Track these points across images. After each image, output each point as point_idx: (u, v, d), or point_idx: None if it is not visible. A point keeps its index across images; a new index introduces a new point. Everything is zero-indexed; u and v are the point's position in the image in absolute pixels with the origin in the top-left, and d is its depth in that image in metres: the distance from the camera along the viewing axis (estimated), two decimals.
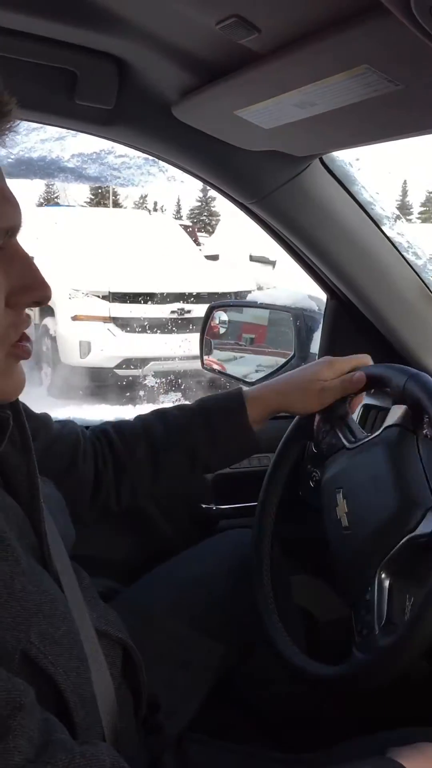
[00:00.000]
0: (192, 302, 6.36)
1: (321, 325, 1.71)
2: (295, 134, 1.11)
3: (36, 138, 1.24)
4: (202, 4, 0.83)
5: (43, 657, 0.68)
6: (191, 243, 8.00)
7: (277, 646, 1.11)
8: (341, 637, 1.07)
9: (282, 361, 1.98)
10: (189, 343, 5.97)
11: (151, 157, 1.33)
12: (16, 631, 0.66)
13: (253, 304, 2.19)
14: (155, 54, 1.01)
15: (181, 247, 7.49)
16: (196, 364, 5.95)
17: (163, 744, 0.94)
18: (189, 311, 6.32)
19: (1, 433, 0.74)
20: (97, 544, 1.20)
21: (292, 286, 7.10)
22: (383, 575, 0.97)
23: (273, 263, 7.61)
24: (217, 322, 2.35)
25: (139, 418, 1.20)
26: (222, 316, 2.37)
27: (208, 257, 8.52)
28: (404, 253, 1.39)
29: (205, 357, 2.21)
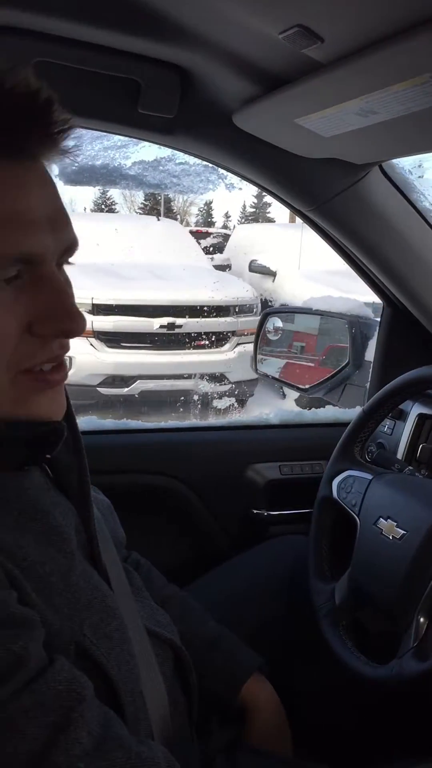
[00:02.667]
0: (184, 316, 5.71)
1: (377, 333, 1.70)
2: (355, 142, 1.10)
3: (99, 146, 1.26)
4: (266, 15, 0.84)
5: (95, 649, 0.70)
6: (200, 252, 7.53)
7: (333, 648, 1.11)
8: (389, 646, 1.07)
9: (334, 370, 1.97)
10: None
11: (210, 165, 1.34)
12: (71, 622, 0.68)
13: (308, 311, 2.19)
14: (218, 63, 1.03)
15: (187, 257, 6.89)
16: (188, 384, 5.73)
17: (214, 750, 0.95)
18: (180, 326, 5.69)
19: (55, 441, 0.76)
20: (149, 547, 1.21)
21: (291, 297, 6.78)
22: (421, 619, 1.02)
23: (274, 274, 7.55)
24: (271, 328, 2.35)
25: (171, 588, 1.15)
26: (276, 322, 2.37)
27: (218, 267, 8.30)
28: None
29: (258, 363, 2.22)
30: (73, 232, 0.71)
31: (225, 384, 5.95)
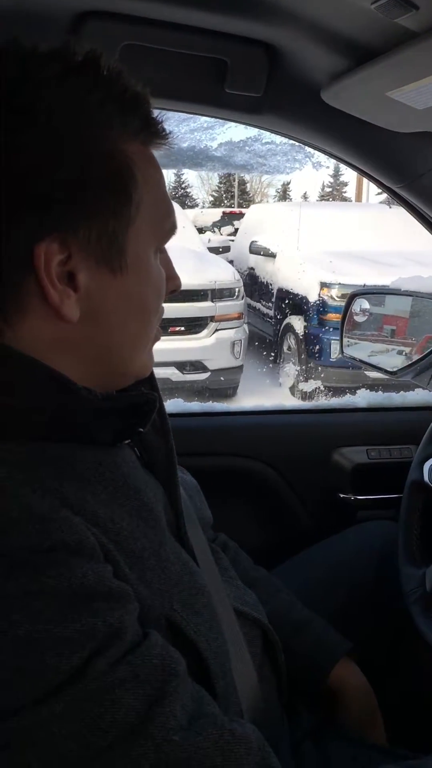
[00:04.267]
0: None
1: None
2: None
3: (186, 128, 1.26)
4: None
5: (186, 624, 0.71)
6: (194, 233, 7.32)
7: (423, 633, 1.09)
8: None
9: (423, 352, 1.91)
10: None
11: (297, 144, 1.32)
12: (162, 597, 0.69)
13: (397, 291, 2.12)
14: (306, 38, 1.00)
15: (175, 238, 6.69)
16: (165, 372, 5.47)
17: (303, 733, 0.95)
18: None
19: (149, 412, 0.77)
20: (236, 530, 1.22)
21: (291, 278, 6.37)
22: None
23: (274, 255, 7.30)
24: (358, 310, 2.30)
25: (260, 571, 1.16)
26: (363, 304, 2.32)
27: (214, 249, 8.07)
28: None
29: (345, 346, 2.18)
30: None
31: (203, 372, 5.78)
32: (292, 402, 5.72)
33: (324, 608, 1.12)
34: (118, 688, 0.57)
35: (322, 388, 5.84)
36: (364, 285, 5.39)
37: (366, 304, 2.30)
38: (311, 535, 1.54)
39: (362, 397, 1.77)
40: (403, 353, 2.12)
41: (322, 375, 5.94)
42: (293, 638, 1.02)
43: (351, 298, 2.13)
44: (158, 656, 0.61)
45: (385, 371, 2.03)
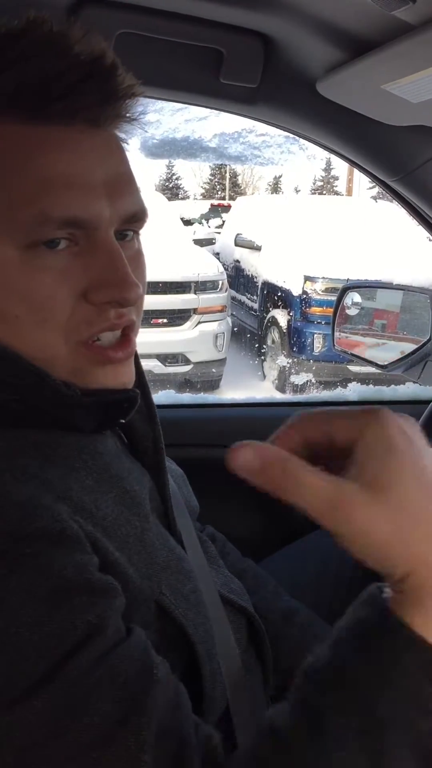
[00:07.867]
0: None
1: None
2: None
3: (180, 118, 1.25)
4: None
5: (174, 608, 0.70)
6: (179, 226, 7.19)
7: None
8: None
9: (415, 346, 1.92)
10: None
11: (291, 135, 1.32)
12: (150, 581, 0.69)
13: (388, 285, 2.14)
14: (303, 29, 1.00)
15: (160, 231, 6.15)
16: (147, 364, 5.59)
17: None
18: None
19: (129, 408, 0.76)
20: (224, 522, 1.22)
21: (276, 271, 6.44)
22: None
23: (259, 248, 7.29)
24: (350, 303, 2.30)
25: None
26: (355, 297, 2.32)
27: (199, 241, 8.08)
28: None
29: (337, 338, 2.18)
30: (139, 201, 0.71)
31: (185, 365, 5.77)
32: (273, 396, 5.73)
33: (312, 600, 1.12)
34: (94, 692, 0.54)
35: (310, 381, 5.86)
36: (348, 279, 5.41)
37: (358, 298, 2.31)
38: (300, 527, 1.54)
39: (354, 391, 1.77)
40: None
41: (305, 369, 5.95)
42: (281, 628, 1.03)
43: (343, 291, 2.13)
44: (138, 660, 0.59)
45: (377, 365, 2.03)
